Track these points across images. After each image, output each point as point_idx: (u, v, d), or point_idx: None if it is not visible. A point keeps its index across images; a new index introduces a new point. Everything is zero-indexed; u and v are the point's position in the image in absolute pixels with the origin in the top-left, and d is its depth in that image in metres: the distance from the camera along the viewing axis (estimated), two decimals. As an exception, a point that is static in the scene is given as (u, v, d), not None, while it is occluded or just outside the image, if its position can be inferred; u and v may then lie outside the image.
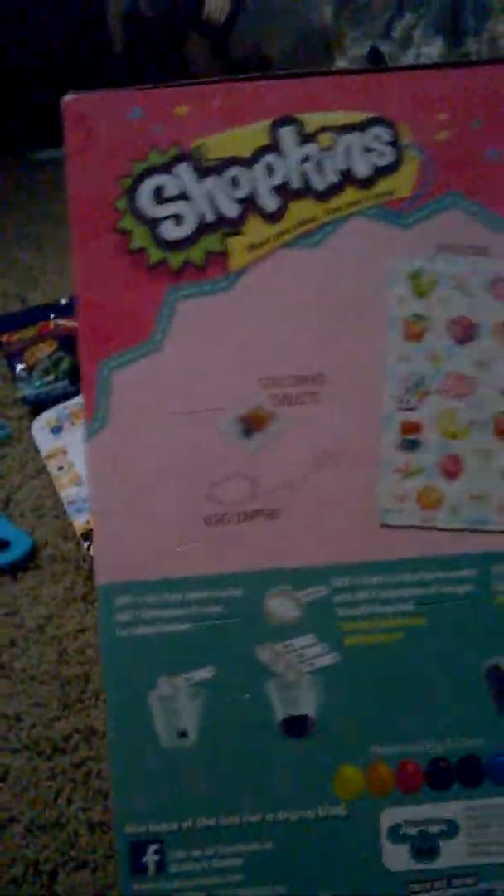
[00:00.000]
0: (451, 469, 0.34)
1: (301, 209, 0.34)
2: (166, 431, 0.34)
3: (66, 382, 0.83)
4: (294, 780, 0.33)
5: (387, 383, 0.34)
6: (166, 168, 0.34)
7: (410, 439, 0.34)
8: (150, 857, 0.33)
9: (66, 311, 0.94)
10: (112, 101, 0.34)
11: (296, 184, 0.34)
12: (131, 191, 0.34)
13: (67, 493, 0.68)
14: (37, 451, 0.74)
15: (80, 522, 0.65)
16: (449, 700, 0.33)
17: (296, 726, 0.33)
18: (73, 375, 0.84)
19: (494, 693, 0.33)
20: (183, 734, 0.33)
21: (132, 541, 0.34)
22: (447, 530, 0.34)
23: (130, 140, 0.34)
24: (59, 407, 0.78)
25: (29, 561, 0.63)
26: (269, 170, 0.34)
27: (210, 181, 0.34)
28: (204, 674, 0.33)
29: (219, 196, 0.34)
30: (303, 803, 0.33)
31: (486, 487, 0.34)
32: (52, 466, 0.72)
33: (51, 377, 0.84)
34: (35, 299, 0.99)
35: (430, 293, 0.34)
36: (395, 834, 0.33)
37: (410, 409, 0.34)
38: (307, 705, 0.33)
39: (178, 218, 0.34)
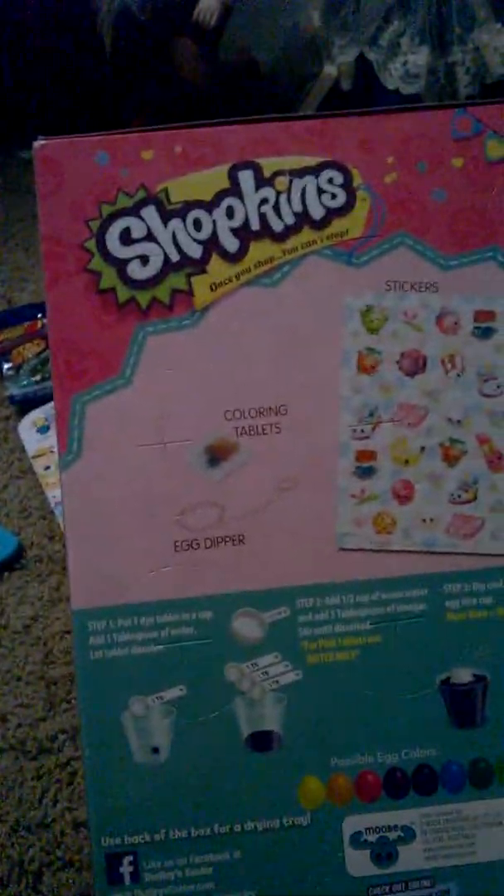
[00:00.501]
0: (404, 494, 0.36)
1: (260, 250, 0.36)
2: (137, 462, 0.36)
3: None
4: (260, 792, 0.35)
5: (342, 414, 0.36)
6: (133, 211, 0.36)
7: (365, 466, 0.36)
8: (126, 868, 0.35)
9: None
10: (80, 146, 0.36)
11: (255, 225, 0.36)
12: (100, 232, 0.36)
13: (54, 492, 0.69)
14: (23, 450, 0.75)
15: None
16: (404, 713, 0.35)
17: (261, 741, 0.35)
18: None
19: (447, 705, 0.35)
20: (155, 750, 0.35)
21: (105, 567, 0.35)
22: (401, 552, 0.36)
23: (99, 183, 0.36)
24: (47, 406, 0.79)
25: (15, 561, 0.63)
26: (230, 212, 0.36)
27: (174, 223, 0.36)
28: (174, 693, 0.35)
29: (182, 237, 0.36)
30: (269, 814, 0.35)
31: (436, 511, 0.36)
32: (38, 466, 0.72)
33: (38, 377, 0.84)
34: (22, 299, 1.00)
35: (381, 328, 0.36)
36: (357, 841, 0.35)
37: (365, 438, 0.36)
38: (272, 721, 0.35)
39: (144, 259, 0.36)
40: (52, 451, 0.73)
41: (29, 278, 1.04)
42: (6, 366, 0.86)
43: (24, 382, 0.83)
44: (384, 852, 0.35)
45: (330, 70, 1.12)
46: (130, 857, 0.35)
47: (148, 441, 0.36)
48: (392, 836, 0.35)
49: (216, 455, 0.36)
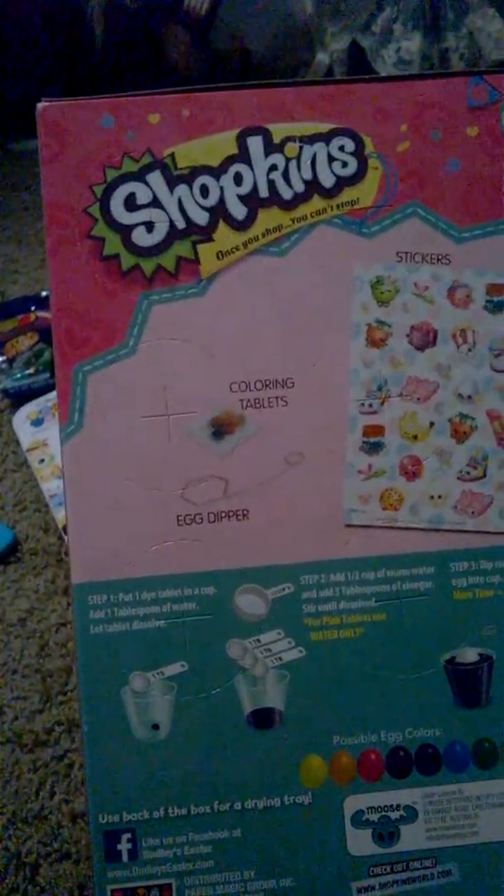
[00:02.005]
0: (412, 470, 0.35)
1: (268, 218, 0.35)
2: (140, 434, 0.35)
3: (46, 375, 0.83)
4: (261, 770, 0.35)
5: (350, 387, 0.35)
6: (139, 175, 0.35)
7: (373, 441, 0.35)
8: (124, 845, 0.34)
9: (47, 303, 0.93)
10: (85, 108, 0.35)
11: (263, 192, 0.35)
12: (104, 198, 0.35)
13: (49, 485, 0.69)
14: (17, 443, 0.75)
15: (61, 515, 0.65)
16: (409, 692, 0.35)
17: (263, 718, 0.35)
18: (55, 367, 0.83)
19: (451, 685, 0.35)
20: (155, 727, 0.34)
21: (107, 541, 0.35)
22: (407, 529, 0.35)
23: (104, 147, 0.35)
24: (41, 399, 0.78)
25: (10, 555, 0.63)
26: (238, 179, 0.35)
27: (180, 189, 0.35)
28: (175, 669, 0.35)
29: (189, 204, 0.35)
30: (270, 792, 0.35)
31: (444, 488, 0.35)
32: (33, 459, 0.72)
33: (31, 369, 0.83)
34: (15, 292, 0.99)
35: (391, 300, 0.35)
36: (358, 820, 0.35)
37: (373, 413, 0.35)
38: (274, 698, 0.35)
39: (149, 225, 0.35)
40: (46, 444, 0.73)
41: (21, 271, 1.03)
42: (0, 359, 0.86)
43: (18, 375, 0.83)
44: (386, 832, 0.35)
45: (323, 57, 1.12)
46: (129, 835, 0.34)
47: (151, 412, 0.35)
48: (394, 815, 0.35)
49: (221, 428, 0.35)
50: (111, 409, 0.35)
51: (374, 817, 0.35)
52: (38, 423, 0.76)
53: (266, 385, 0.35)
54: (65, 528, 0.64)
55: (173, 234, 0.35)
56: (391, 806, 0.35)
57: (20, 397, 0.80)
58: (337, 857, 0.34)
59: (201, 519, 0.35)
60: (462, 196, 0.35)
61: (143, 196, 0.35)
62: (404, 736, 0.35)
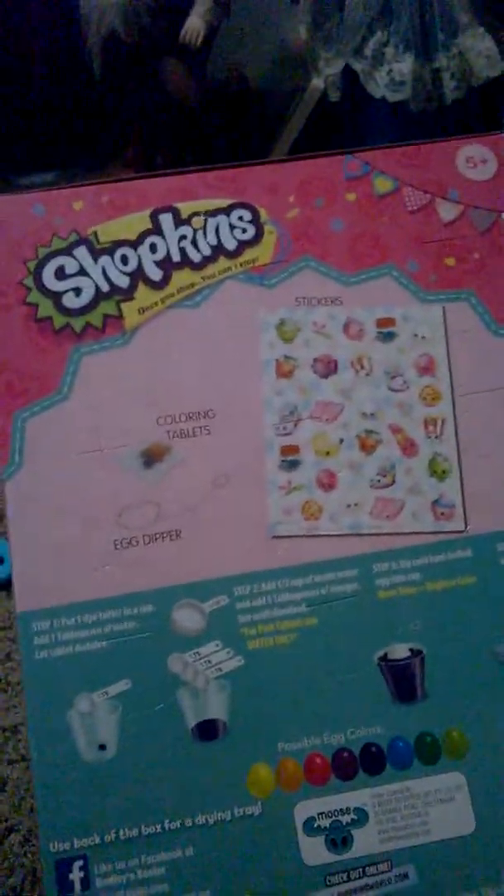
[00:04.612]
0: (327, 482, 0.39)
1: (182, 277, 0.40)
2: (76, 469, 0.38)
3: None
4: (209, 784, 0.35)
5: (265, 414, 0.39)
6: (66, 251, 0.40)
7: (290, 460, 0.39)
8: (76, 874, 0.34)
9: None
10: (19, 201, 0.41)
11: (176, 258, 0.40)
12: (37, 270, 0.40)
13: None
14: None
15: None
16: (347, 692, 0.36)
17: (207, 730, 0.35)
18: None
19: (386, 681, 0.36)
20: (102, 747, 0.35)
21: (48, 569, 0.37)
22: (329, 536, 0.38)
23: (36, 230, 0.40)
24: None
25: None
26: (153, 248, 0.40)
27: (103, 259, 0.40)
28: (120, 687, 0.36)
29: (111, 271, 0.40)
30: (219, 805, 0.35)
31: (358, 496, 0.38)
32: None
33: None
34: None
35: (294, 338, 0.40)
36: (310, 827, 0.35)
37: (287, 434, 0.39)
38: (216, 709, 0.36)
39: (77, 290, 0.40)
40: None
41: None
42: None
43: None
44: (338, 837, 0.34)
45: (317, 83, 1.14)
46: (80, 863, 0.34)
47: (86, 449, 0.38)
48: (345, 819, 0.35)
49: (151, 457, 0.38)
50: (48, 448, 0.38)
51: (326, 823, 0.35)
52: None
53: (189, 417, 0.39)
54: None
55: (99, 297, 0.40)
56: (341, 810, 0.35)
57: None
58: (292, 868, 0.34)
59: (137, 542, 0.37)
60: (347, 248, 0.41)
61: (70, 267, 0.40)
62: (346, 736, 0.36)
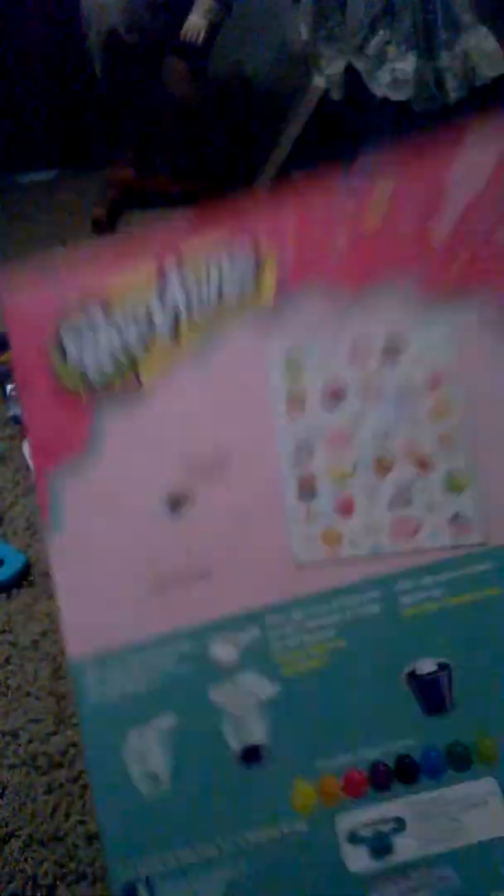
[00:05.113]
0: (346, 508, 0.40)
1: (191, 326, 0.42)
2: (110, 522, 0.41)
3: None
4: (257, 804, 0.38)
5: (280, 448, 0.41)
6: (82, 315, 0.43)
7: (308, 490, 0.40)
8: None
9: None
10: (35, 273, 0.44)
11: (184, 310, 0.42)
12: (57, 338, 0.43)
13: None
14: (28, 468, 0.76)
15: None
16: (379, 708, 0.38)
17: (251, 755, 0.38)
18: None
19: (416, 696, 0.38)
20: (156, 778, 0.38)
21: (94, 618, 0.40)
22: (352, 560, 0.40)
23: (51, 298, 0.43)
24: None
25: (23, 578, 0.65)
26: (162, 301, 0.42)
27: (117, 318, 0.43)
28: (167, 722, 0.39)
29: (125, 330, 0.42)
30: (268, 824, 0.37)
31: (377, 519, 0.40)
32: None
33: None
34: None
35: (302, 369, 0.42)
36: (353, 837, 0.37)
37: (303, 465, 0.41)
38: (258, 734, 0.38)
39: (95, 353, 0.43)
40: None
41: None
42: (9, 386, 0.87)
43: None
44: (380, 845, 0.37)
45: (319, 81, 1.15)
46: (146, 886, 0.37)
47: (117, 501, 0.41)
48: (385, 828, 0.37)
49: (176, 502, 0.41)
50: (84, 505, 0.41)
51: (368, 833, 0.37)
52: None
53: (211, 460, 0.41)
54: None
55: (116, 357, 0.42)
56: (381, 819, 0.37)
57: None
58: (339, 877, 0.37)
59: (171, 584, 0.40)
60: (348, 268, 0.41)
61: (87, 331, 0.43)
62: (382, 750, 0.38)
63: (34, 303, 0.43)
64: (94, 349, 0.42)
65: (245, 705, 0.39)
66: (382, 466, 0.40)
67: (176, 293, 0.42)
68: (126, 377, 0.42)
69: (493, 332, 0.41)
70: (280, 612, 0.39)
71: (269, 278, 0.42)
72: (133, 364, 0.42)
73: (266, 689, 0.39)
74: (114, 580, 0.40)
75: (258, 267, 0.42)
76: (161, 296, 0.42)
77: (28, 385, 0.43)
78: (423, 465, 0.40)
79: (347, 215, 0.42)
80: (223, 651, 0.39)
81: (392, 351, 0.41)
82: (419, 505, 0.40)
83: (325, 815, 0.37)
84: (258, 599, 0.40)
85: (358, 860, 0.37)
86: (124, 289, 0.43)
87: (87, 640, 0.40)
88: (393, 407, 0.41)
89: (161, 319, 0.42)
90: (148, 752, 0.38)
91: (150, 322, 0.42)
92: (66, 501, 0.41)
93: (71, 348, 0.42)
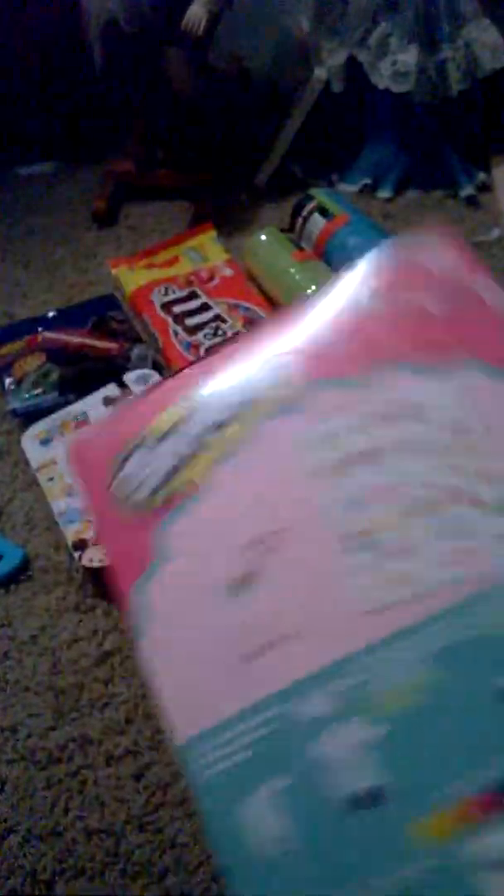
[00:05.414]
0: (402, 553, 0.43)
1: (229, 432, 0.48)
2: (190, 612, 0.45)
3: (54, 394, 0.83)
4: (387, 847, 0.37)
5: (331, 511, 0.45)
6: (137, 447, 0.50)
7: (363, 542, 0.44)
8: None
9: (54, 323, 0.95)
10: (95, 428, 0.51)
11: (220, 419, 0.49)
12: (117, 473, 0.49)
13: (58, 503, 0.70)
14: (27, 463, 0.76)
15: (71, 533, 0.66)
16: (483, 728, 0.38)
17: (366, 799, 0.38)
18: (62, 387, 0.85)
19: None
20: (276, 841, 0.38)
21: (192, 699, 0.43)
22: (423, 596, 0.42)
23: (110, 443, 0.50)
24: (49, 419, 0.80)
25: (21, 573, 0.64)
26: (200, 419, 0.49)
27: (163, 447, 0.49)
28: (278, 784, 0.40)
29: (172, 456, 0.49)
30: (400, 865, 0.37)
31: (435, 555, 0.42)
32: (42, 478, 0.73)
33: (39, 389, 0.84)
34: (22, 314, 1.01)
35: (336, 441, 0.46)
36: (491, 862, 0.36)
37: (355, 521, 0.44)
38: (371, 778, 0.39)
39: (150, 480, 0.48)
40: (54, 463, 0.75)
41: (28, 294, 1.05)
42: (8, 380, 0.87)
43: (26, 396, 0.84)
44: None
45: (320, 73, 1.13)
46: None
47: (192, 595, 0.45)
48: None
49: (246, 581, 0.44)
50: (166, 607, 0.45)
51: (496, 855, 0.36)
52: (46, 442, 0.77)
53: (269, 536, 0.45)
54: (74, 546, 0.66)
55: (167, 476, 0.48)
56: None
57: (28, 417, 0.82)
58: None
59: (257, 654, 0.43)
60: (349, 357, 0.48)
61: (137, 463, 0.49)
62: (496, 772, 0.37)
63: (97, 442, 0.50)
64: (145, 478, 0.48)
65: (352, 753, 0.39)
66: (432, 506, 0.44)
67: (212, 408, 0.49)
68: (180, 488, 0.47)
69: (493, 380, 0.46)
70: (364, 658, 0.41)
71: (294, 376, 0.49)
72: (182, 476, 0.48)
73: (370, 733, 0.40)
74: (203, 663, 0.43)
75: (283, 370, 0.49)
76: (196, 415, 0.49)
77: (101, 521, 0.49)
78: (472, 498, 0.43)
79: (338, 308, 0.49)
80: (319, 706, 0.41)
81: (416, 414, 0.46)
82: (480, 532, 0.43)
83: (457, 844, 0.37)
84: (341, 650, 0.41)
85: (496, 885, 0.36)
86: (161, 426, 0.49)
87: (190, 722, 0.42)
88: (434, 458, 0.45)
89: (194, 441, 0.49)
90: (264, 817, 0.39)
91: (195, 437, 0.48)
92: (154, 602, 0.45)
93: (129, 475, 0.49)
